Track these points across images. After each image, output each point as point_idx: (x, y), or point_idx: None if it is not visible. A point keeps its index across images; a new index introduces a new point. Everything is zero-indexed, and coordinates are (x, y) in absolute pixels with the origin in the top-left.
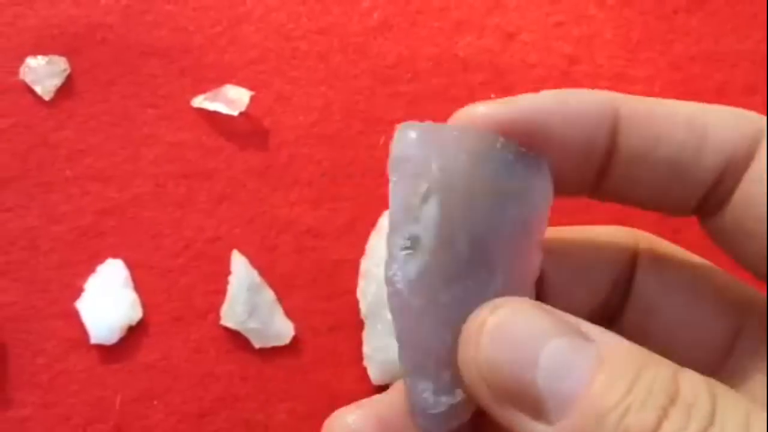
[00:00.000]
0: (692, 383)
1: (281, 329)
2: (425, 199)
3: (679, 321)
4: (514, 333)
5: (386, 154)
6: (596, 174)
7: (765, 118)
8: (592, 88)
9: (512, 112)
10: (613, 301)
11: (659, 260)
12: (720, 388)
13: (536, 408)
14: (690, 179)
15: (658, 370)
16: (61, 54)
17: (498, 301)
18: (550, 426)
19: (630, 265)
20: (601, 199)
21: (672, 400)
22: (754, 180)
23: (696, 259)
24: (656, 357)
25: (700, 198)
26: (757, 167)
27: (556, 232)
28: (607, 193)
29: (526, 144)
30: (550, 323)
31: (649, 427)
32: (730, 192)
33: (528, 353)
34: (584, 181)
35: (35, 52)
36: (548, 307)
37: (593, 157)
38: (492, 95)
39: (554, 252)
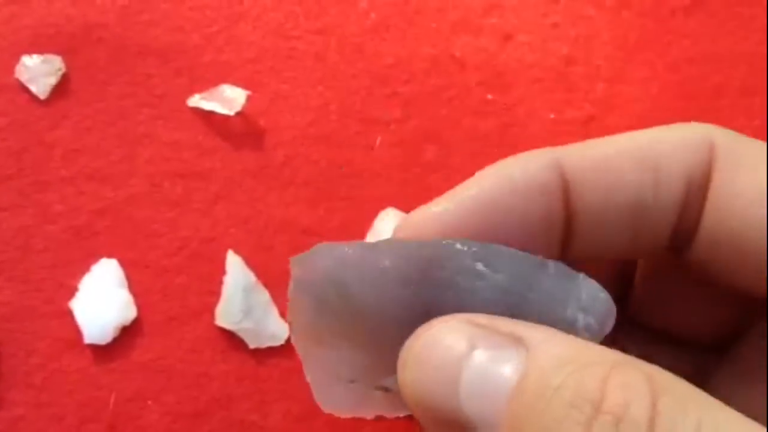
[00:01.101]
0: (622, 390)
1: (276, 330)
2: None
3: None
4: (435, 354)
5: (383, 154)
6: (560, 242)
7: (713, 128)
8: (590, 89)
9: (456, 215)
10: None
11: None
12: (665, 393)
13: (467, 429)
14: (654, 218)
15: (584, 376)
16: (57, 53)
17: (433, 321)
18: None
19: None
20: (570, 261)
21: (595, 410)
22: (719, 197)
23: None
24: (589, 355)
25: (670, 234)
26: (718, 184)
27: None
28: (575, 255)
29: (482, 236)
30: (474, 335)
31: None
32: (698, 218)
33: (449, 374)
34: (550, 252)
35: (31, 50)
36: (484, 321)
37: (552, 228)
38: (488, 96)
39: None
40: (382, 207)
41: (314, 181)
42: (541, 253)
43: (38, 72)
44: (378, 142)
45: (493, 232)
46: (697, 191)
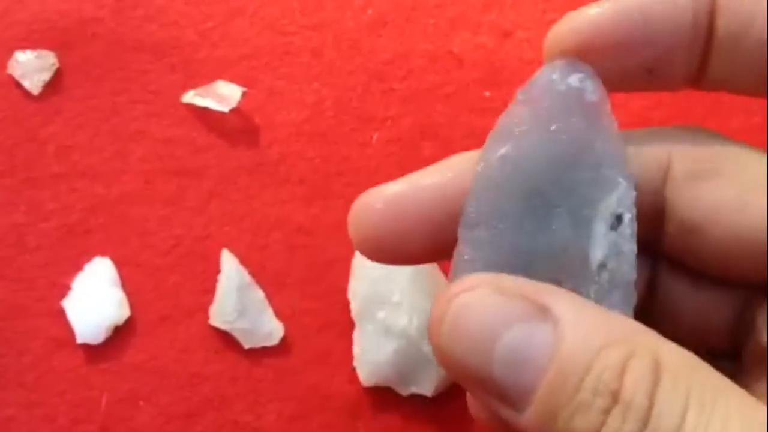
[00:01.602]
0: (635, 378)
1: (271, 329)
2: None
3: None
4: (469, 324)
5: (378, 152)
6: (699, 61)
7: None
8: None
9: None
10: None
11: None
12: (666, 376)
13: (502, 396)
14: None
15: (609, 360)
16: (50, 48)
17: (465, 281)
18: (519, 414)
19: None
20: (703, 88)
21: (614, 399)
22: None
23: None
24: (614, 332)
25: None
26: None
27: None
28: (708, 81)
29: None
30: (508, 308)
31: (591, 430)
32: None
33: (484, 346)
34: (689, 71)
35: (24, 46)
36: (510, 285)
37: (695, 43)
38: (486, 93)
39: None
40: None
41: (309, 178)
42: (680, 71)
43: (31, 68)
44: (374, 139)
45: (638, 44)
46: None
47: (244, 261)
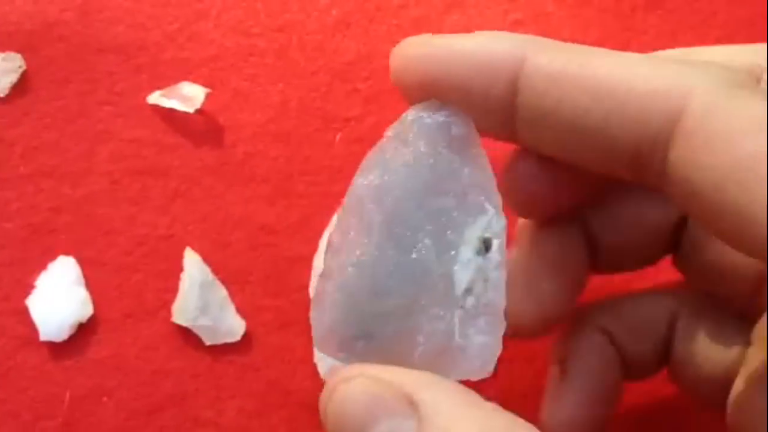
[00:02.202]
0: None
1: (232, 326)
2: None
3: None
4: (345, 418)
5: (342, 152)
6: (505, 125)
7: (697, 77)
8: None
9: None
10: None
11: None
12: None
13: None
14: (603, 146)
15: None
16: (17, 51)
17: (345, 371)
18: None
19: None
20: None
21: None
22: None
23: None
24: (483, 426)
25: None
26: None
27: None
28: (523, 145)
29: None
30: (378, 403)
31: None
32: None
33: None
34: (498, 130)
35: None
36: (386, 377)
37: (495, 109)
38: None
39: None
40: (341, 204)
41: (273, 178)
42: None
43: None
44: (338, 138)
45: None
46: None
47: (207, 259)
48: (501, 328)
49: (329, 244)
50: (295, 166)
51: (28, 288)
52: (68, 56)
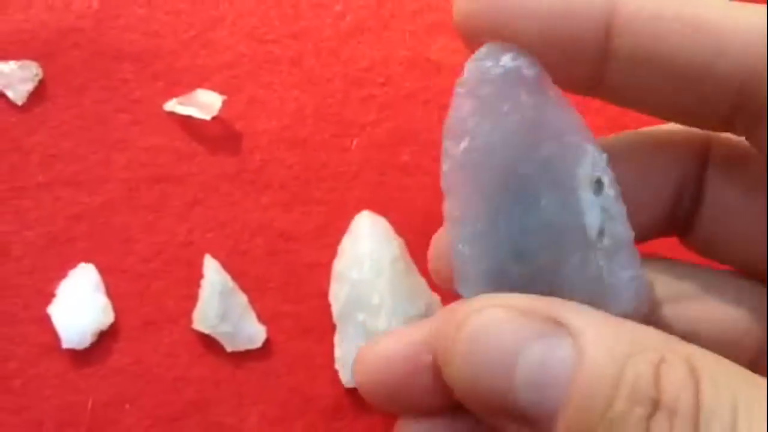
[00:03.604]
0: (674, 382)
1: (253, 333)
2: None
3: (753, 232)
4: (486, 347)
5: (358, 158)
6: (591, 73)
7: None
8: (565, 92)
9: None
10: (682, 207)
11: (734, 163)
12: (705, 378)
13: (523, 418)
14: (700, 94)
15: (639, 367)
16: (33, 59)
17: (473, 303)
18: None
19: (699, 167)
20: (604, 99)
21: (655, 406)
22: None
23: None
24: (638, 341)
25: (727, 111)
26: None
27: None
28: (608, 95)
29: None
30: (525, 327)
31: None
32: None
33: (504, 368)
34: (581, 80)
35: (7, 57)
36: (524, 304)
37: (584, 56)
38: None
39: (614, 155)
40: (358, 210)
41: (290, 184)
42: (573, 77)
43: (15, 78)
44: (354, 145)
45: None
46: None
47: (226, 266)
48: (638, 258)
49: (449, 217)
50: (312, 173)
51: (48, 296)
52: (84, 64)
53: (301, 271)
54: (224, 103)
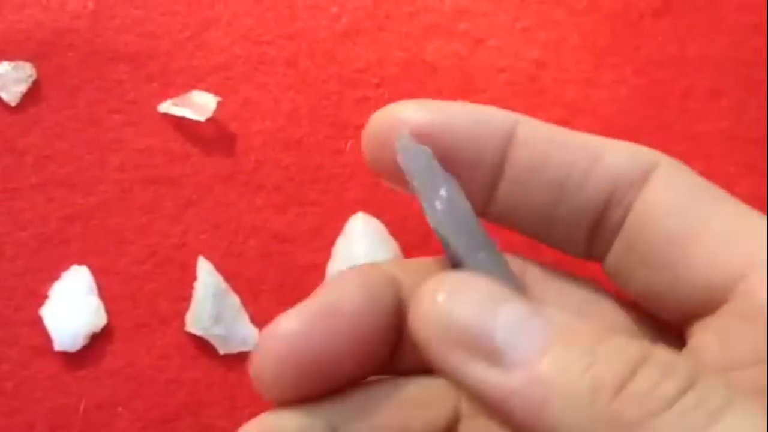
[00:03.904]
0: (667, 351)
1: (246, 335)
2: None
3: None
4: (472, 290)
5: (353, 159)
6: (486, 191)
7: (661, 155)
8: (560, 92)
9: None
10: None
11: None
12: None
13: (492, 356)
14: (576, 203)
15: (622, 340)
16: (28, 60)
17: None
18: (506, 372)
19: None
20: (492, 221)
21: (645, 358)
22: (645, 207)
23: None
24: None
25: (590, 227)
26: (648, 195)
27: None
28: (496, 214)
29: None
30: (507, 290)
31: (618, 378)
32: (621, 222)
33: (487, 308)
34: (476, 198)
35: (1, 57)
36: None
37: (481, 172)
38: (459, 100)
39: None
40: (353, 211)
41: (285, 186)
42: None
43: (9, 79)
44: (348, 146)
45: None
46: (625, 192)
47: (220, 268)
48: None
49: (452, 257)
50: (306, 174)
51: (41, 298)
52: (79, 65)
53: (295, 273)
54: (219, 104)
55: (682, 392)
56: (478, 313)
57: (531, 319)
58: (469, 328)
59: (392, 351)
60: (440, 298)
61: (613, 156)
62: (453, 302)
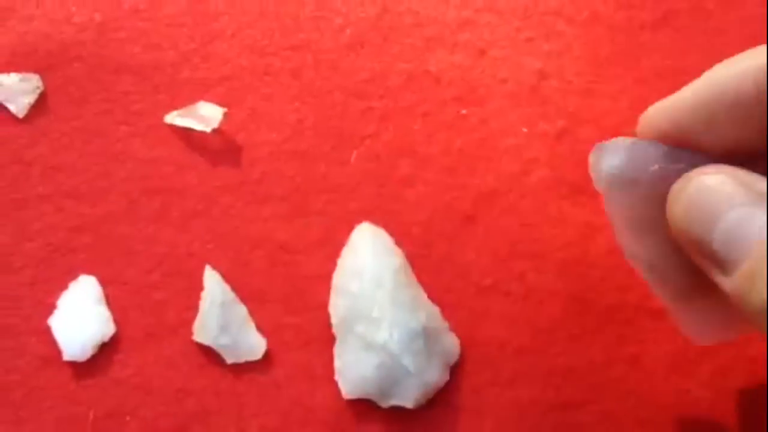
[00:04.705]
0: None
1: (253, 344)
2: None
3: None
4: (700, 201)
5: (358, 170)
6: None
7: None
8: (562, 102)
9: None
10: None
11: None
12: None
13: (716, 261)
14: None
15: None
16: (35, 71)
17: (706, 168)
18: (726, 276)
19: None
20: None
21: None
22: None
23: None
24: None
25: None
26: None
27: None
28: None
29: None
30: (735, 193)
31: None
32: None
33: (709, 219)
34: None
35: (8, 69)
36: (737, 174)
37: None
38: (463, 111)
39: None
40: (358, 221)
41: (290, 196)
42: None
43: (16, 91)
44: (353, 157)
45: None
46: None
47: (226, 278)
48: None
49: None
50: (312, 185)
51: (49, 308)
52: (85, 77)
53: (301, 283)
54: (225, 115)
55: None
56: (701, 225)
57: (748, 220)
58: (695, 239)
59: None
60: (676, 206)
61: None
62: (684, 213)
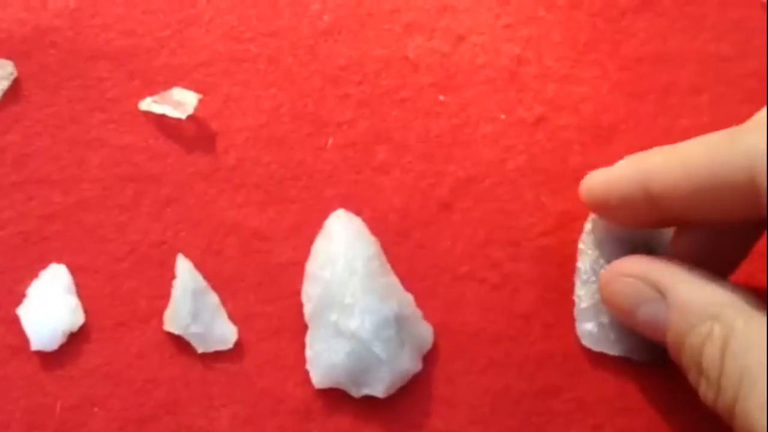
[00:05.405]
0: (708, 354)
1: (224, 333)
2: None
3: None
4: (617, 299)
5: (334, 156)
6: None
7: None
8: (540, 89)
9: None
10: None
11: None
12: (732, 345)
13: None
14: None
15: (697, 336)
16: (9, 58)
17: (616, 266)
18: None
19: None
20: None
21: (699, 370)
22: None
23: None
24: (711, 301)
25: None
26: None
27: None
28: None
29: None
30: (639, 292)
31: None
32: None
33: (629, 313)
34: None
35: None
36: (636, 270)
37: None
38: (441, 97)
39: None
40: (333, 208)
41: (265, 183)
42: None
43: None
44: (330, 143)
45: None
46: None
47: (199, 266)
48: None
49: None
50: (287, 171)
51: (18, 297)
52: (60, 63)
53: (274, 271)
54: (200, 101)
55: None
56: (624, 316)
57: (655, 313)
58: (624, 320)
59: None
60: (605, 294)
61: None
62: (608, 304)
